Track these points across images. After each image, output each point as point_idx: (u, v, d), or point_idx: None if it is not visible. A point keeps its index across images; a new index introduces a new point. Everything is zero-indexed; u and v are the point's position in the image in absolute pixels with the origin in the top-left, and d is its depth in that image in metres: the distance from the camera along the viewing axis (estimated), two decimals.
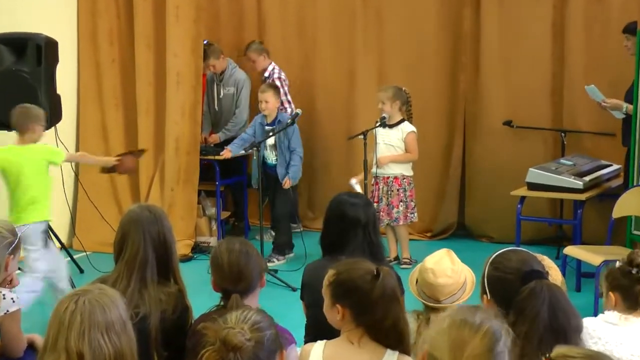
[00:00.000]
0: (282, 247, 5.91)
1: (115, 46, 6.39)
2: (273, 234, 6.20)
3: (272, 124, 5.83)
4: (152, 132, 6.29)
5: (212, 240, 6.23)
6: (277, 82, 6.28)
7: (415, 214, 5.71)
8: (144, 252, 2.46)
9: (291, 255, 5.93)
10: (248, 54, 6.44)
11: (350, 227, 2.84)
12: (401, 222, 5.69)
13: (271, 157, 5.88)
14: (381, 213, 5.65)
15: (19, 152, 4.23)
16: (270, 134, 5.72)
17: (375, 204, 5.61)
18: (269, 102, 5.74)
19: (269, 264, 5.72)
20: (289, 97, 6.43)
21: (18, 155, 4.22)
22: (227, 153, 5.95)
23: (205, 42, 6.31)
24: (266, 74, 6.44)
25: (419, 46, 6.41)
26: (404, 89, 5.61)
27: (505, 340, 1.53)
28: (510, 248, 2.19)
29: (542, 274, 1.97)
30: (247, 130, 5.98)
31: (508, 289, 1.96)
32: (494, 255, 2.14)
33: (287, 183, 5.71)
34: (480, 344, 1.50)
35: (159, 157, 6.28)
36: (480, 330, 1.52)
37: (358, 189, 5.35)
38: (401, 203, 5.67)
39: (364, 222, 2.85)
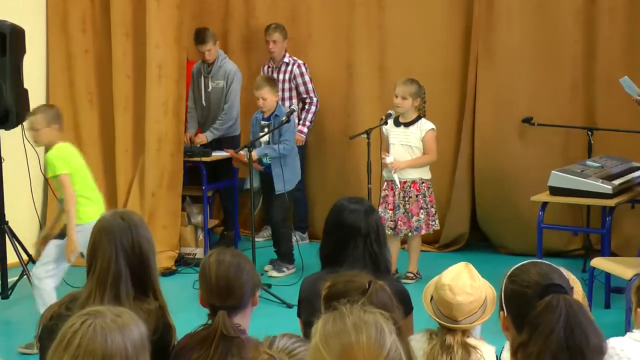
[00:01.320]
0: (289, 255, 5.94)
1: (88, 35, 6.36)
2: (266, 234, 6.37)
3: (268, 118, 5.86)
4: (130, 131, 6.28)
5: (198, 252, 6.27)
6: (302, 69, 6.50)
7: (437, 221, 5.73)
8: (116, 266, 2.44)
9: (292, 270, 5.96)
10: (272, 35, 6.50)
11: (350, 237, 2.86)
12: (423, 231, 5.68)
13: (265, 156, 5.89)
14: (399, 223, 5.66)
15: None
16: (261, 133, 5.76)
17: (390, 212, 5.64)
18: (266, 100, 5.79)
19: (279, 274, 5.76)
20: (313, 86, 6.59)
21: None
22: (253, 156, 5.70)
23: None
24: (285, 60, 6.57)
25: (425, 35, 6.43)
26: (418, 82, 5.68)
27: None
28: (531, 260, 2.20)
29: (561, 288, 1.98)
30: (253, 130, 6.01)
31: (525, 304, 1.96)
32: (512, 269, 2.15)
33: (253, 156, 5.56)
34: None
35: (138, 158, 6.26)
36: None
37: (388, 159, 5.41)
38: (422, 210, 5.66)
39: (364, 232, 2.86)
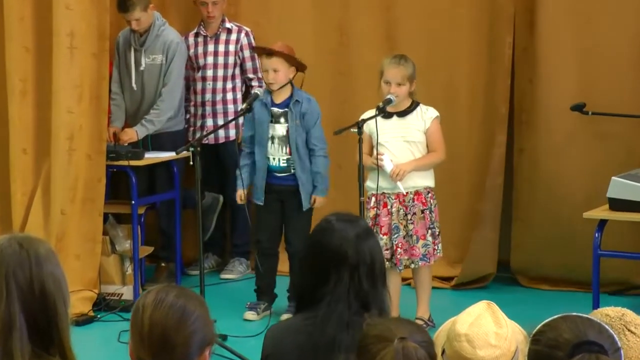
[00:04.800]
0: None
1: None
2: (214, 262, 6.56)
3: (283, 104, 5.90)
4: (30, 124, 6.25)
5: (126, 291, 6.25)
6: (251, 38, 6.70)
7: (440, 246, 5.79)
8: (7, 311, 2.43)
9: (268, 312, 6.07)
10: None
11: (331, 267, 2.89)
12: (431, 261, 5.72)
13: (278, 155, 5.90)
14: (398, 250, 5.68)
15: None
16: (271, 131, 5.86)
17: (384, 237, 5.66)
18: (279, 72, 5.80)
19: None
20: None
21: None
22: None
23: None
24: (227, 25, 6.75)
25: None
26: None
27: None
28: (563, 314, 2.26)
29: (598, 347, 2.02)
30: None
31: None
32: (538, 326, 2.21)
33: (317, 201, 5.87)
34: None
35: (42, 162, 6.24)
36: None
37: (388, 164, 5.50)
38: (429, 231, 5.69)
39: (352, 261, 2.88)
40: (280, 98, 5.92)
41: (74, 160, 6.12)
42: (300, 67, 5.92)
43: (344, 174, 6.63)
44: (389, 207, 5.68)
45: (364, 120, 5.51)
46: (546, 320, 2.22)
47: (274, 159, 5.94)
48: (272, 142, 5.93)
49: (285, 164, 5.91)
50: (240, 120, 6.40)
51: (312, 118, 5.89)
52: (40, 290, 2.45)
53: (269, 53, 5.84)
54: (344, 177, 6.62)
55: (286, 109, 5.89)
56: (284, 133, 5.90)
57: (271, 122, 5.91)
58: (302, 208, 5.89)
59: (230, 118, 6.63)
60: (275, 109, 5.92)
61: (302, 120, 5.86)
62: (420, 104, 5.71)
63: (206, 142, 6.40)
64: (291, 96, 5.91)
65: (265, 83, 5.96)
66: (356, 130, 5.45)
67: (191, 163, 5.55)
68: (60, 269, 2.52)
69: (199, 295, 2.52)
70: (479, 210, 6.51)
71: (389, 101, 5.61)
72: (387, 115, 5.66)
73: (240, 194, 5.98)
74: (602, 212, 5.24)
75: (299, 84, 5.96)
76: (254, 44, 6.75)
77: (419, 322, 5.70)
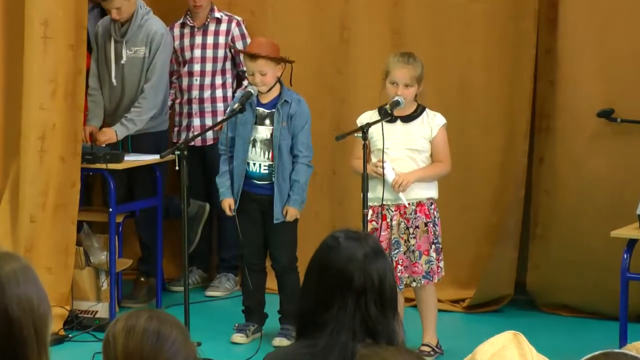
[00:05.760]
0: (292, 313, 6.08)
1: None
2: (199, 277, 6.73)
3: (270, 105, 5.90)
4: None
5: (101, 308, 6.25)
6: (243, 29, 6.77)
7: (442, 263, 5.81)
8: None
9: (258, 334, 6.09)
10: None
11: (335, 290, 2.88)
12: (434, 280, 5.72)
13: (259, 160, 5.90)
14: (398, 268, 5.67)
15: None
16: (254, 133, 5.87)
17: None
18: (266, 74, 5.81)
19: (287, 342, 5.79)
20: None
21: None
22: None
23: None
24: (217, 15, 6.79)
25: None
26: None
27: None
28: (606, 351, 2.25)
29: None
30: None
31: None
32: None
33: (289, 213, 5.83)
34: None
35: (10, 164, 6.24)
36: None
37: (390, 173, 5.51)
38: (432, 246, 5.70)
39: (358, 285, 2.87)
40: (267, 98, 5.90)
41: (45, 162, 6.10)
42: (287, 62, 5.93)
43: (338, 181, 6.67)
44: (388, 219, 5.66)
45: (369, 125, 5.49)
46: (586, 358, 2.18)
47: (254, 164, 5.91)
48: (254, 146, 5.90)
49: (267, 171, 5.89)
50: None
51: (301, 121, 5.87)
52: (1, 317, 2.43)
53: (253, 56, 5.83)
54: (339, 185, 6.73)
55: (273, 110, 5.88)
56: (268, 136, 5.88)
57: (255, 123, 5.89)
58: (285, 219, 5.87)
59: (219, 117, 6.63)
60: (261, 109, 5.91)
61: (290, 122, 5.85)
62: (427, 109, 5.73)
63: (192, 144, 6.40)
64: (279, 96, 5.89)
65: (253, 85, 5.93)
66: (360, 135, 5.44)
67: (177, 168, 5.52)
68: (33, 287, 2.50)
69: (172, 316, 2.52)
70: (497, 226, 6.53)
71: (397, 103, 5.59)
72: (391, 120, 5.65)
73: (230, 203, 5.93)
74: (632, 231, 5.20)
75: (286, 80, 5.96)
76: (246, 33, 6.80)
77: (426, 349, 5.76)
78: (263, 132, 5.88)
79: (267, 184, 5.88)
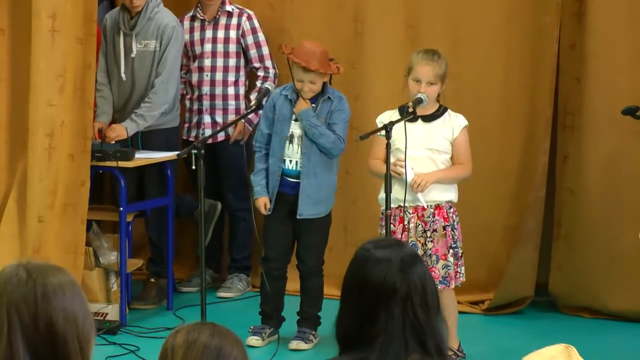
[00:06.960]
0: (316, 317, 6.03)
1: None
2: (210, 278, 6.68)
3: (311, 101, 5.94)
4: (4, 118, 6.25)
5: (111, 311, 6.27)
6: (255, 22, 6.75)
7: (463, 268, 5.80)
8: (8, 350, 2.42)
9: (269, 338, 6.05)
10: None
11: (379, 302, 2.84)
12: (452, 285, 5.71)
13: (295, 157, 5.92)
14: None
15: None
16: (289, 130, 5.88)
17: None
18: (316, 84, 5.84)
19: (307, 347, 5.93)
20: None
21: None
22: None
23: None
24: (228, 8, 6.77)
25: None
26: None
27: None
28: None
29: None
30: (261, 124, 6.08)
31: None
32: None
33: (300, 103, 5.84)
34: None
35: (17, 162, 6.24)
36: None
37: (409, 172, 5.51)
38: (450, 251, 5.69)
39: (402, 292, 2.82)
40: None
41: (54, 160, 6.12)
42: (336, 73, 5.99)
43: (352, 181, 6.67)
44: (405, 222, 5.62)
45: (393, 123, 5.44)
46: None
47: (290, 161, 5.90)
48: (291, 142, 5.91)
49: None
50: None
51: (340, 114, 5.90)
52: (46, 328, 2.44)
53: (307, 69, 5.85)
54: (353, 185, 6.73)
55: (313, 105, 5.89)
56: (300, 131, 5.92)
57: (293, 120, 5.91)
58: (318, 220, 5.83)
59: (231, 116, 6.63)
60: None
61: (329, 117, 5.85)
62: (449, 110, 5.73)
63: None
64: (322, 93, 5.91)
65: (297, 90, 5.91)
66: (383, 134, 5.39)
67: (193, 167, 5.46)
68: (78, 302, 2.51)
69: (233, 333, 2.55)
70: (518, 227, 6.51)
71: (420, 101, 5.54)
72: (412, 119, 5.62)
73: (266, 202, 5.90)
74: None
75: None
76: (257, 27, 6.79)
77: (449, 353, 5.62)
78: (301, 128, 5.89)
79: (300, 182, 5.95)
